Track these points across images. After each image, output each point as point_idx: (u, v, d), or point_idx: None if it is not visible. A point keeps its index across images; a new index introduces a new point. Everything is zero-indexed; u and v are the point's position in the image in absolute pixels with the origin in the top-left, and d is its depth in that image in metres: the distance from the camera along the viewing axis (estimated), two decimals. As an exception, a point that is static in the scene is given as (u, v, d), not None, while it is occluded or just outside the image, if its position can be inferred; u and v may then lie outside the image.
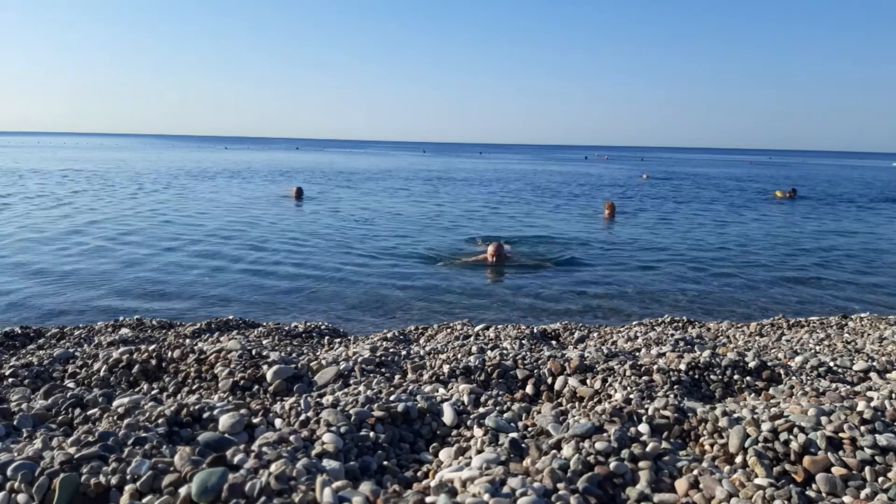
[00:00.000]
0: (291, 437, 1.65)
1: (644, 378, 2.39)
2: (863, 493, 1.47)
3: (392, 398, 2.02)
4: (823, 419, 1.73)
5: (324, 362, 2.54)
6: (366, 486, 1.35)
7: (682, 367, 2.48)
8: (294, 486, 1.31)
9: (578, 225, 13.76)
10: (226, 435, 1.69)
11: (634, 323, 4.71)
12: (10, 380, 2.45)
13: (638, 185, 27.33)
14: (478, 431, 1.84)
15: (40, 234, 10.05)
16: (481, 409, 2.03)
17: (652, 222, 14.41)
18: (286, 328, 4.15)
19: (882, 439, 1.62)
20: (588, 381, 2.38)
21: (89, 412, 1.88)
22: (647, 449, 1.59)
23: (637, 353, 2.97)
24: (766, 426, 1.70)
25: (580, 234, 12.07)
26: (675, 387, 2.34)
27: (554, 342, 3.82)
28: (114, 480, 1.35)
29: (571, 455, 1.55)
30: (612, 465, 1.51)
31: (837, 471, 1.54)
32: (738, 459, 1.63)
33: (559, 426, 1.79)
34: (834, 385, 2.34)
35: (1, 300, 6.12)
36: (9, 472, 1.36)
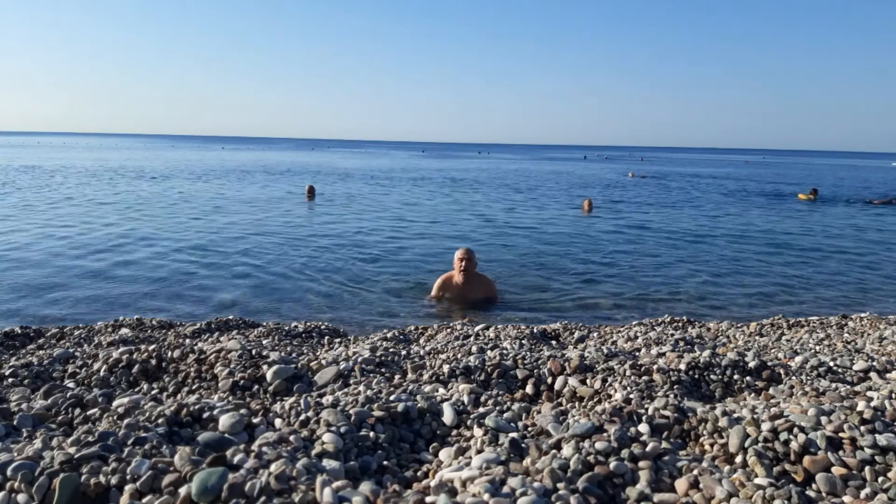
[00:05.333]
0: (291, 437, 1.65)
1: (644, 378, 2.39)
2: (863, 493, 1.47)
3: (392, 398, 2.02)
4: (823, 419, 1.73)
5: (324, 362, 2.54)
6: (366, 486, 1.35)
7: (682, 367, 2.48)
8: (294, 486, 1.31)
9: (562, 221, 14.03)
10: (226, 435, 1.69)
11: (634, 323, 4.71)
12: (10, 380, 2.45)
13: (623, 185, 27.56)
14: (478, 431, 1.84)
15: (41, 230, 10.06)
16: (481, 409, 2.03)
17: (638, 219, 14.57)
18: (286, 328, 4.14)
19: (882, 439, 1.62)
20: (588, 381, 2.38)
21: (89, 412, 1.88)
22: (647, 449, 1.59)
23: (637, 353, 2.97)
24: (766, 426, 1.71)
25: (564, 231, 12.30)
26: (675, 387, 2.34)
27: (554, 342, 3.82)
28: (114, 480, 1.35)
29: (571, 455, 1.55)
30: (612, 464, 1.51)
31: (837, 471, 1.54)
32: (738, 459, 1.63)
33: (559, 426, 1.79)
34: (834, 385, 2.34)
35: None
36: (9, 472, 1.36)
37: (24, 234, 10.06)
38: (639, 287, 7.47)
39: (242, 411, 1.86)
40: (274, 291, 6.88)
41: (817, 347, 3.48)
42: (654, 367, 2.48)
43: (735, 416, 1.81)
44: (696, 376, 2.46)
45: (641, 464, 1.54)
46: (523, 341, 3.50)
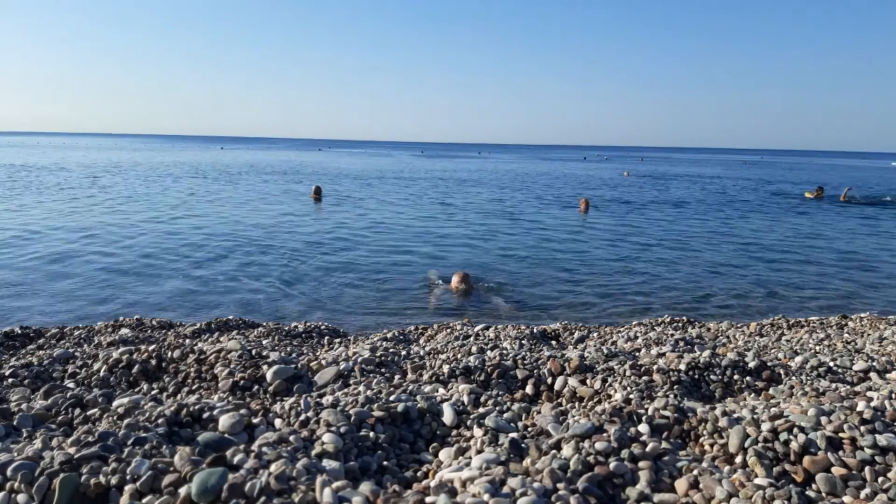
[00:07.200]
0: (291, 438, 1.65)
1: (644, 378, 2.39)
2: (863, 493, 1.47)
3: (392, 398, 2.02)
4: (823, 419, 1.73)
5: (324, 362, 2.54)
6: (366, 486, 1.35)
7: (682, 367, 2.48)
8: (294, 486, 1.31)
9: (559, 220, 14.09)
10: (226, 435, 1.69)
11: (634, 323, 4.71)
12: (10, 380, 2.45)
13: (620, 184, 27.70)
14: (478, 431, 1.84)
15: (39, 229, 10.06)
16: (481, 409, 2.03)
17: (635, 218, 14.63)
18: (286, 328, 4.15)
19: (882, 439, 1.62)
20: (588, 381, 2.38)
21: (89, 412, 1.88)
22: (647, 449, 1.59)
23: (637, 353, 2.97)
24: (766, 426, 1.71)
25: (562, 231, 12.34)
26: (675, 387, 2.34)
27: (554, 342, 3.82)
28: (114, 480, 1.35)
29: (571, 455, 1.55)
30: (612, 465, 1.51)
31: (837, 471, 1.54)
32: (738, 459, 1.63)
33: (559, 426, 1.79)
34: (834, 385, 2.34)
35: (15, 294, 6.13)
36: (9, 472, 1.36)
37: (29, 235, 10.06)
38: (638, 287, 7.47)
39: (242, 411, 1.86)
40: (275, 291, 6.88)
41: (817, 348, 3.48)
42: (654, 367, 2.48)
43: (735, 416, 1.81)
44: (696, 376, 2.46)
45: (641, 464, 1.54)
46: (523, 341, 3.50)
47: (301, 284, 7.24)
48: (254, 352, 2.66)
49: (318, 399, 2.03)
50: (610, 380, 2.36)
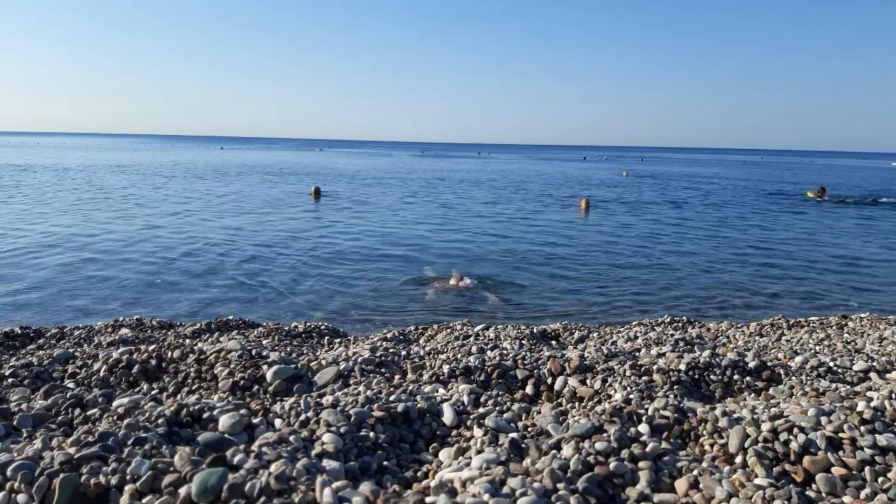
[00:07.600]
0: (291, 438, 1.65)
1: (644, 378, 2.39)
2: (863, 493, 1.47)
3: (392, 398, 2.02)
4: (823, 419, 1.73)
5: (324, 362, 2.54)
6: (366, 486, 1.35)
7: (682, 367, 2.48)
8: (294, 486, 1.31)
9: (560, 221, 14.12)
10: (226, 435, 1.69)
11: (634, 323, 4.71)
12: (10, 380, 2.45)
13: (619, 184, 27.81)
14: (478, 431, 1.84)
15: (41, 231, 10.06)
16: (481, 410, 2.03)
17: (635, 219, 14.63)
18: (286, 328, 4.15)
19: (882, 439, 1.62)
20: (588, 382, 2.38)
21: (89, 412, 1.88)
22: (647, 449, 1.59)
23: (637, 354, 2.97)
24: (766, 426, 1.71)
25: (562, 231, 12.35)
26: (675, 387, 2.34)
27: (554, 342, 3.82)
28: (114, 480, 1.35)
29: (571, 455, 1.55)
30: (612, 465, 1.51)
31: (837, 471, 1.54)
32: (738, 459, 1.63)
33: (559, 426, 1.79)
34: (834, 385, 2.34)
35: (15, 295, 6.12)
36: (9, 472, 1.36)
37: (34, 234, 10.06)
38: (638, 287, 7.47)
39: (242, 411, 1.86)
40: (274, 291, 6.88)
41: (817, 348, 3.48)
42: (654, 367, 2.48)
43: (735, 416, 1.81)
44: (696, 376, 2.46)
45: (641, 464, 1.53)
46: (523, 341, 3.50)
47: (300, 284, 7.24)
48: (254, 352, 2.66)
49: (318, 399, 2.03)
50: (610, 380, 2.36)
